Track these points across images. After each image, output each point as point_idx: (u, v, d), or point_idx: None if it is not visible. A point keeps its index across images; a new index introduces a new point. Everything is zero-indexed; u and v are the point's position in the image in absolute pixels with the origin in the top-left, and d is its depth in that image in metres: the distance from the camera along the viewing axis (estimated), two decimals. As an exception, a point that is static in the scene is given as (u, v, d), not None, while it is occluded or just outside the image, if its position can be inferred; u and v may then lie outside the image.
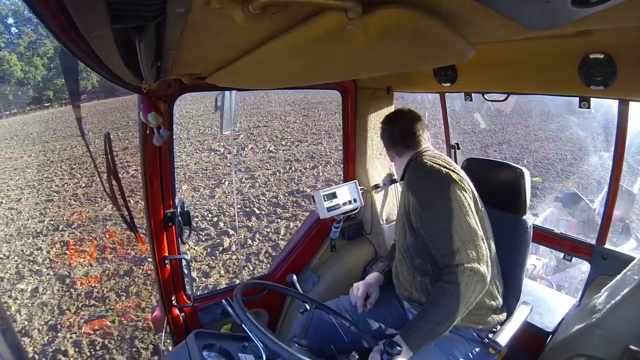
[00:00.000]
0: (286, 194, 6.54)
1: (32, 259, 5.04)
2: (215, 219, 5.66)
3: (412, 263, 1.30)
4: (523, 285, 1.47)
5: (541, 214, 4.14)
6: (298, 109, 15.07)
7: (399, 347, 1.08)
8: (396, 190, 2.21)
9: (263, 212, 5.84)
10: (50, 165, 10.29)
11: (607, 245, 1.65)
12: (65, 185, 8.31)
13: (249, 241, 4.94)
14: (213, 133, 11.60)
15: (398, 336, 1.12)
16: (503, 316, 1.32)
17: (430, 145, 1.41)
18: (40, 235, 5.76)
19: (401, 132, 1.41)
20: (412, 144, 1.40)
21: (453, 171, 1.24)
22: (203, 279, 4.16)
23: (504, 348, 1.23)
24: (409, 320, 1.42)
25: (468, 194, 1.22)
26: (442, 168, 1.23)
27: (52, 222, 6.22)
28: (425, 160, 1.29)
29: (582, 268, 3.08)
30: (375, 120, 2.04)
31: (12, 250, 5.40)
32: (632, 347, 1.03)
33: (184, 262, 1.61)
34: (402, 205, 1.38)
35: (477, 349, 1.26)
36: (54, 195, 7.65)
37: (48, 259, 4.97)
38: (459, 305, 1.09)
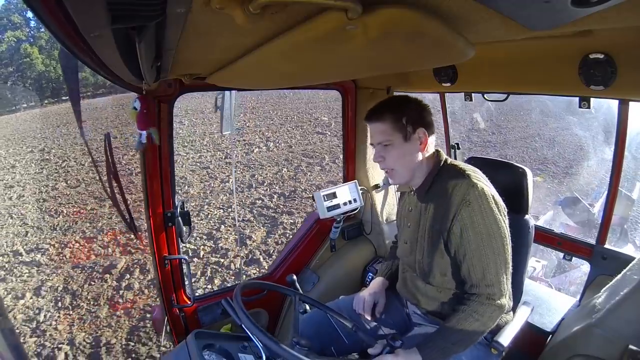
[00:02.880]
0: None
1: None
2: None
3: (434, 281, 1.25)
4: (524, 285, 1.47)
5: (541, 217, 4.14)
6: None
7: (400, 341, 1.09)
8: (396, 190, 2.20)
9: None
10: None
11: (607, 245, 1.65)
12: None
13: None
14: (311, 119, 12.66)
15: (414, 348, 1.11)
16: (510, 317, 1.32)
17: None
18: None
19: (432, 124, 1.23)
20: (432, 144, 1.25)
21: (496, 194, 1.16)
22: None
23: (505, 348, 1.23)
24: (411, 322, 1.42)
25: (507, 220, 1.16)
26: (489, 191, 1.13)
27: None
28: (474, 180, 1.13)
29: (582, 269, 3.08)
30: None
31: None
32: (631, 347, 1.03)
33: (183, 262, 1.61)
34: (424, 222, 1.23)
35: (481, 350, 1.26)
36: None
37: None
38: (479, 332, 1.13)
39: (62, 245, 5.19)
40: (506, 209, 1.18)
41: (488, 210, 1.11)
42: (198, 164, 8.66)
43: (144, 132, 1.27)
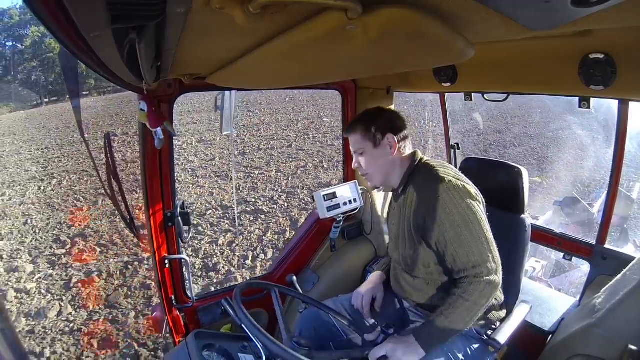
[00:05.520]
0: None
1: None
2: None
3: (419, 273, 1.28)
4: (523, 285, 1.47)
5: (541, 217, 4.14)
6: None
7: (393, 328, 1.11)
8: (383, 191, 2.20)
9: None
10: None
11: (607, 245, 1.65)
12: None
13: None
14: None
15: (411, 335, 1.13)
16: (503, 313, 1.33)
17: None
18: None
19: (403, 129, 1.32)
20: (408, 146, 1.34)
21: (467, 183, 1.21)
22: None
23: (502, 346, 1.23)
24: (407, 316, 1.42)
25: (482, 205, 1.21)
26: (458, 182, 1.18)
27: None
28: (441, 175, 1.19)
29: (582, 269, 3.08)
30: None
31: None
32: (631, 346, 1.03)
33: (183, 262, 1.61)
34: (403, 217, 1.29)
35: (476, 346, 1.26)
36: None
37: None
38: (473, 314, 1.14)
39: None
40: (480, 195, 1.22)
41: (458, 199, 1.15)
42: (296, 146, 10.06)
43: (159, 130, 1.27)
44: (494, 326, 1.29)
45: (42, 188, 8.05)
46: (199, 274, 4.33)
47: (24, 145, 12.80)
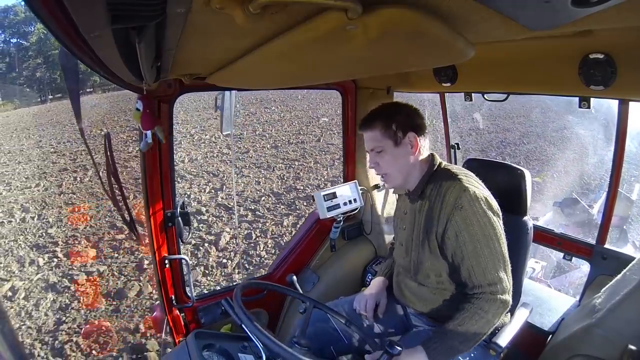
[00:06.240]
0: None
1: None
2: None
3: (428, 282, 1.26)
4: (523, 285, 1.47)
5: (541, 218, 4.14)
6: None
7: (398, 348, 1.08)
8: (393, 192, 2.20)
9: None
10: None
11: (607, 245, 1.65)
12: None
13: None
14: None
15: (419, 346, 1.10)
16: (508, 317, 1.32)
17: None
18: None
19: (424, 128, 1.26)
20: (426, 147, 1.28)
21: (489, 196, 1.17)
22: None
23: (504, 349, 1.23)
24: (410, 322, 1.42)
25: (501, 221, 1.18)
26: (482, 194, 1.15)
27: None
28: (465, 184, 1.15)
29: (582, 269, 3.08)
30: None
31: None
32: (631, 346, 1.03)
33: (183, 262, 1.61)
34: (418, 224, 1.25)
35: (478, 351, 1.26)
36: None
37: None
38: (485, 330, 1.12)
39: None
40: (500, 210, 1.19)
41: (481, 212, 1.12)
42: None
43: (149, 132, 1.27)
44: (497, 330, 1.28)
45: (79, 179, 8.06)
46: (273, 252, 4.56)
47: (42, 140, 12.73)
